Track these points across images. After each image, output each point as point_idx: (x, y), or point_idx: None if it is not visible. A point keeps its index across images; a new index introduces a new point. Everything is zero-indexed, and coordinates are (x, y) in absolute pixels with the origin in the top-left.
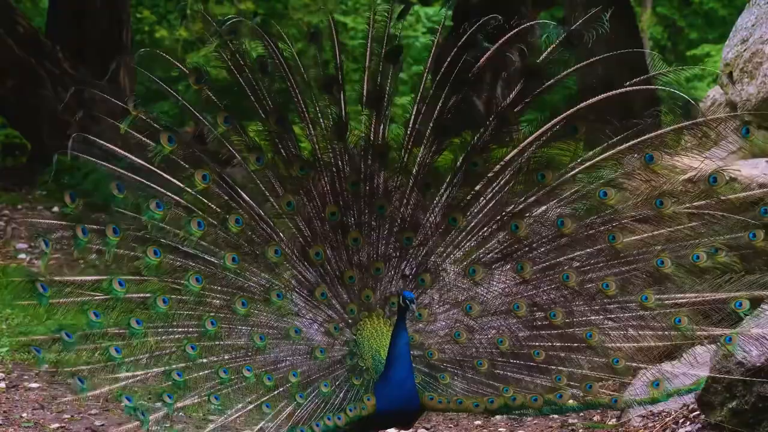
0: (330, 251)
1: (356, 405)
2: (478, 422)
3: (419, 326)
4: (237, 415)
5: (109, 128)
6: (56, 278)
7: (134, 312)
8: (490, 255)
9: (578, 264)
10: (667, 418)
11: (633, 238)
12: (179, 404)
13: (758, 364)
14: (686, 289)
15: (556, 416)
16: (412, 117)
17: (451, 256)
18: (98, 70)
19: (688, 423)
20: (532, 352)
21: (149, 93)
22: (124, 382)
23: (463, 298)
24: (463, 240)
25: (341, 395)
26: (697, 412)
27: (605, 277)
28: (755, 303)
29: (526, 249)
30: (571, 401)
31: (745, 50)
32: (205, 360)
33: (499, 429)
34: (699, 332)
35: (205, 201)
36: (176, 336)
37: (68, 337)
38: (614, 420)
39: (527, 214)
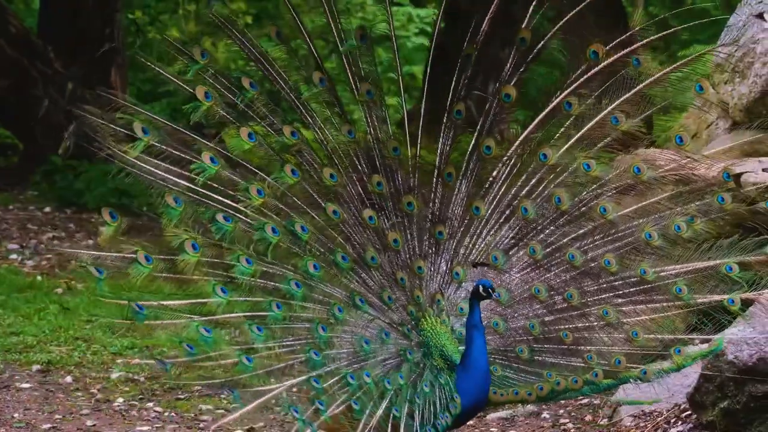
0: (379, 255)
1: (452, 403)
2: (470, 422)
3: (464, 320)
4: (376, 420)
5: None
6: (147, 303)
7: (254, 320)
8: (506, 241)
9: (579, 244)
10: (659, 418)
11: (620, 213)
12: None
13: (750, 364)
14: (678, 260)
15: (547, 416)
16: (422, 107)
17: (476, 246)
18: (90, 71)
19: (680, 423)
20: (561, 335)
21: (141, 93)
22: (275, 391)
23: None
24: (482, 229)
25: (438, 394)
26: (689, 412)
27: (604, 254)
28: (743, 266)
29: (534, 232)
30: (606, 379)
31: (736, 50)
32: (331, 366)
33: (491, 429)
34: (700, 299)
35: (267, 213)
36: (298, 341)
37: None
38: (606, 420)
39: (533, 195)
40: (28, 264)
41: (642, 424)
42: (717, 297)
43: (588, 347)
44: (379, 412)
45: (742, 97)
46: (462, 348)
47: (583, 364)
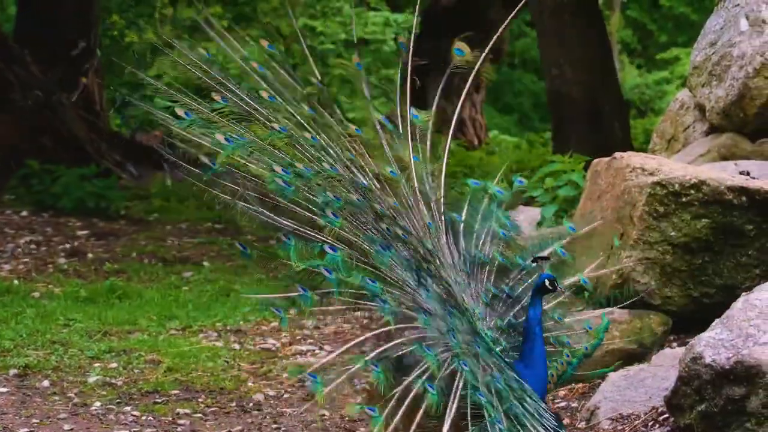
0: (429, 266)
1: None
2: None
3: (486, 323)
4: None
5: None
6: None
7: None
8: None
9: (476, 242)
10: (636, 422)
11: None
12: None
13: (727, 367)
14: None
15: None
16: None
17: (460, 250)
18: (67, 75)
19: (657, 426)
20: None
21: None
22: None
23: (485, 281)
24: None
25: (525, 389)
26: (666, 415)
27: (492, 251)
28: (567, 248)
29: (454, 234)
30: (573, 358)
31: (713, 53)
32: (481, 377)
33: None
34: (566, 282)
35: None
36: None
37: None
38: (583, 423)
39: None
40: (5, 268)
41: (620, 428)
42: (573, 279)
43: (546, 333)
44: (523, 411)
45: (719, 100)
46: (500, 348)
47: (553, 348)
